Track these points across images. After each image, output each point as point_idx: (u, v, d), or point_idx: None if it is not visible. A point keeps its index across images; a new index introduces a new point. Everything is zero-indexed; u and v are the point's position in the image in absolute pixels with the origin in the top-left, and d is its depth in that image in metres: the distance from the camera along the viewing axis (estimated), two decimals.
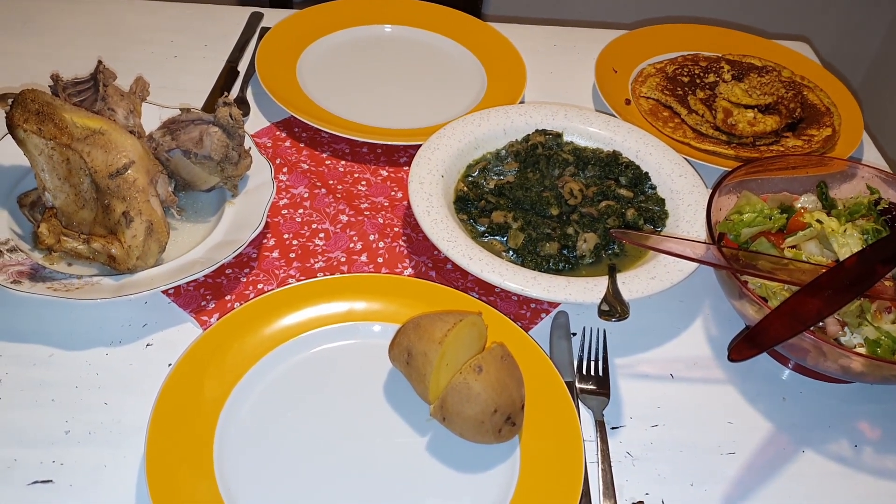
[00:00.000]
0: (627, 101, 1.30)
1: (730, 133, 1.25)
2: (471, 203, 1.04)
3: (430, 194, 1.02)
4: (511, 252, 0.99)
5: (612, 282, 0.92)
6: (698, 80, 1.34)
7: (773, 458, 0.88)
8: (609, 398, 0.89)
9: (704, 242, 0.94)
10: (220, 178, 1.00)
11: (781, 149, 1.24)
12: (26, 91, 0.93)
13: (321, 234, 1.05)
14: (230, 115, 0.97)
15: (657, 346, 0.97)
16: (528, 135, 1.14)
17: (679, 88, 1.32)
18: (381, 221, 1.08)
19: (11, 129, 0.91)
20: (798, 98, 1.30)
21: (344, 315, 0.91)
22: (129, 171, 0.93)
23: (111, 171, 0.92)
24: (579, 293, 0.91)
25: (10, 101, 0.92)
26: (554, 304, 0.98)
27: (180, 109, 1.01)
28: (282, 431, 0.81)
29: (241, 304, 0.94)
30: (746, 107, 1.27)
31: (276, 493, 0.77)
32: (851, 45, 2.68)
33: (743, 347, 0.80)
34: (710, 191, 0.98)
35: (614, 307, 0.86)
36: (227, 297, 0.96)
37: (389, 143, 1.16)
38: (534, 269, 0.96)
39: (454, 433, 0.80)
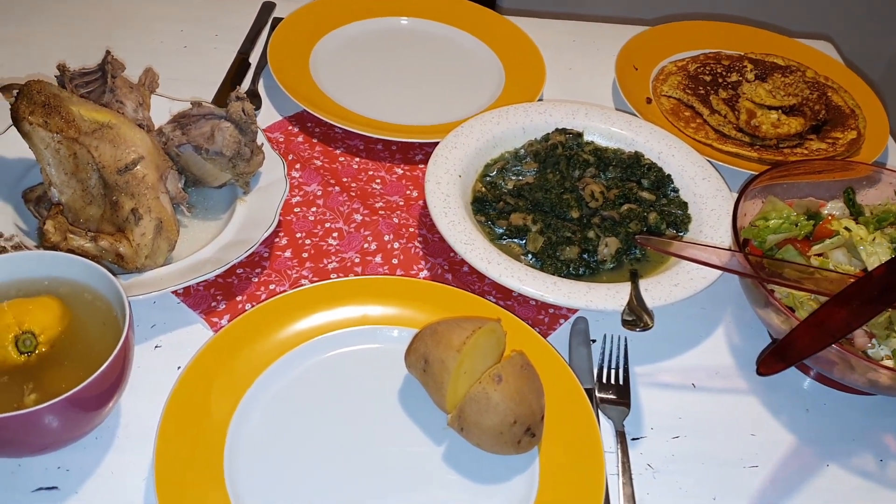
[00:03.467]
0: (648, 100, 1.27)
1: (753, 135, 1.22)
2: (489, 204, 1.01)
3: (447, 195, 0.99)
4: (530, 255, 0.97)
5: (635, 289, 0.89)
6: (721, 80, 1.30)
7: (796, 471, 0.85)
8: (630, 408, 0.86)
9: (730, 250, 0.92)
10: (231, 175, 0.97)
11: (805, 152, 1.20)
12: (32, 82, 0.90)
13: (335, 234, 1.03)
14: (243, 111, 0.94)
15: (678, 355, 0.94)
16: (548, 134, 1.11)
17: (701, 87, 1.29)
18: (397, 221, 1.05)
19: (16, 121, 0.88)
20: (822, 99, 1.27)
21: (359, 319, 0.88)
22: (139, 167, 0.90)
23: (120, 167, 0.89)
24: (601, 300, 0.88)
25: (15, 92, 0.90)
26: (573, 310, 0.96)
27: (191, 103, 0.98)
28: (294, 438, 0.79)
29: (252, 306, 0.92)
30: (770, 108, 1.24)
31: (288, 501, 0.74)
32: (875, 45, 2.63)
33: (771, 361, 0.78)
34: (736, 195, 0.95)
35: (639, 316, 0.84)
36: (238, 298, 0.93)
37: (405, 140, 1.13)
38: (553, 274, 0.94)
39: (472, 443, 0.78)
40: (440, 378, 0.78)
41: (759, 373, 0.78)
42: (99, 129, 0.90)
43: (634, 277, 0.92)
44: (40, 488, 0.75)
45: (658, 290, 0.90)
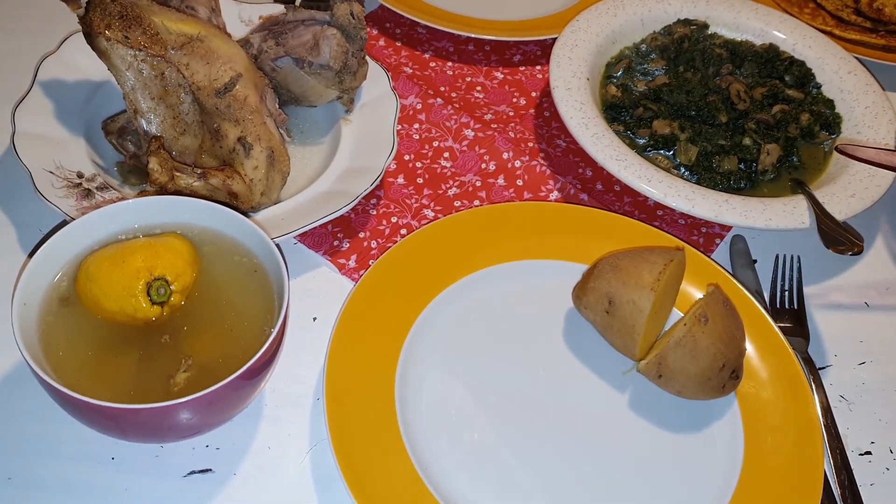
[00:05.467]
0: None
1: (875, 19, 1.10)
2: (625, 111, 0.89)
3: (581, 102, 0.87)
4: (683, 169, 0.86)
5: (816, 204, 0.79)
6: None
7: None
8: (809, 335, 0.79)
9: None
10: (337, 91, 0.83)
11: None
12: None
13: (446, 154, 0.90)
14: (351, 13, 0.80)
15: (844, 271, 0.86)
16: (670, 26, 0.98)
17: None
18: (513, 136, 0.93)
19: (90, 37, 0.73)
20: None
21: (508, 253, 0.78)
22: (238, 87, 0.76)
23: (217, 88, 0.75)
24: (780, 218, 0.79)
25: (83, 1, 0.74)
26: (726, 228, 0.86)
27: (285, 7, 0.83)
28: (465, 390, 0.70)
29: (377, 242, 0.81)
30: None
31: (472, 465, 0.66)
32: None
33: None
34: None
35: (843, 237, 0.75)
36: (361, 235, 0.81)
37: (501, 38, 0.99)
38: (712, 189, 0.83)
39: (669, 391, 0.70)
40: (631, 320, 0.69)
41: None
42: (188, 44, 0.75)
43: (805, 189, 0.82)
44: (192, 472, 0.65)
45: (835, 202, 0.81)
